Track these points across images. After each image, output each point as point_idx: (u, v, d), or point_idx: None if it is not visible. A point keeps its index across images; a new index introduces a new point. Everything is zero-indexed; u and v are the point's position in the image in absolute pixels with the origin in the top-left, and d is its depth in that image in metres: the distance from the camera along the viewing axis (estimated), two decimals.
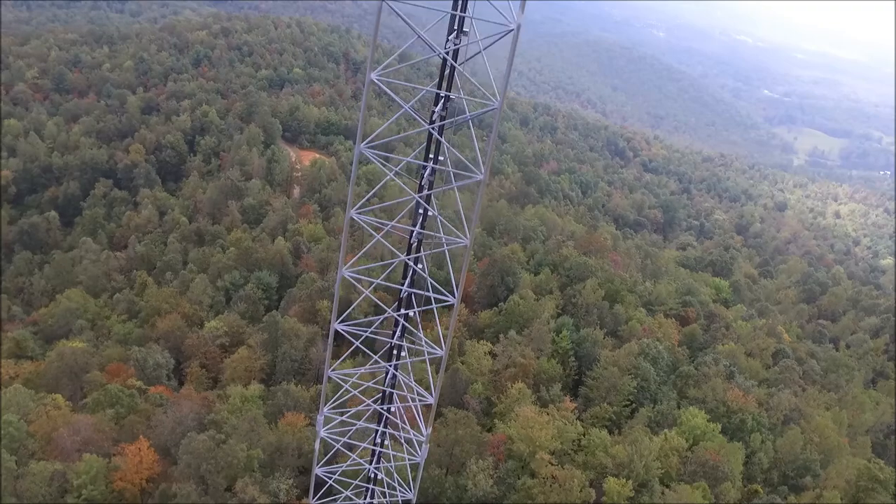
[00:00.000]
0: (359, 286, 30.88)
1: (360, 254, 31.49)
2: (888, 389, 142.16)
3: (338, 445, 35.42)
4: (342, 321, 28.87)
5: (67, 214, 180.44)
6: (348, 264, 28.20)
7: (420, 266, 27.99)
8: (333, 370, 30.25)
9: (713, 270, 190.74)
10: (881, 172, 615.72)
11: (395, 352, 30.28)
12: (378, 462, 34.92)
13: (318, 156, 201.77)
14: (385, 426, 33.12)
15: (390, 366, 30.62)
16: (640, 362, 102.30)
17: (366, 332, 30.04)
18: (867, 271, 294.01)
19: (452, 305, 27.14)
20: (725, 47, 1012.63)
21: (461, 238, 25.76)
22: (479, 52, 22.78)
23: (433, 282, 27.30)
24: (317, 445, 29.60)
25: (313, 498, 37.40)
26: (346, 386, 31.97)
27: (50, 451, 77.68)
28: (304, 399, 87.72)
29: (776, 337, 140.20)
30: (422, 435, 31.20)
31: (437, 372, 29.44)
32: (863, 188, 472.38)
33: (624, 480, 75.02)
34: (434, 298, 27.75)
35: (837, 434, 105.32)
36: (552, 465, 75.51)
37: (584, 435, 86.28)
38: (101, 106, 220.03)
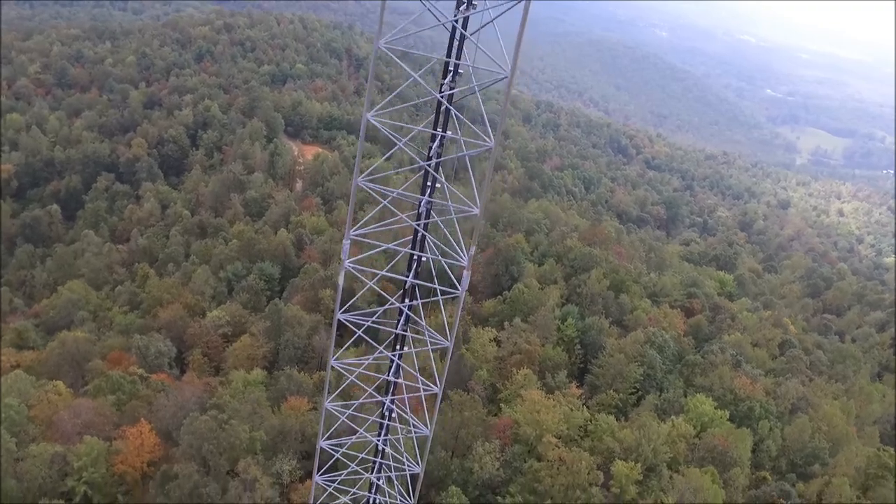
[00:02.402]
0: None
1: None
2: (894, 383, 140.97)
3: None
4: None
5: (69, 208, 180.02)
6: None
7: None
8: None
9: (717, 265, 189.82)
10: (884, 172, 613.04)
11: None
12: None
13: (320, 150, 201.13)
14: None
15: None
16: (646, 350, 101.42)
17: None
18: (871, 268, 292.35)
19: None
20: (728, 47, 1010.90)
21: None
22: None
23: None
24: (340, 285, 28.27)
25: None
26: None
27: (50, 434, 76.93)
28: (307, 384, 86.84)
29: (782, 328, 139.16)
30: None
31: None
32: (866, 187, 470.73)
33: (632, 464, 74.08)
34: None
35: (846, 423, 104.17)
36: (559, 448, 74.53)
37: (590, 421, 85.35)
38: (104, 100, 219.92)
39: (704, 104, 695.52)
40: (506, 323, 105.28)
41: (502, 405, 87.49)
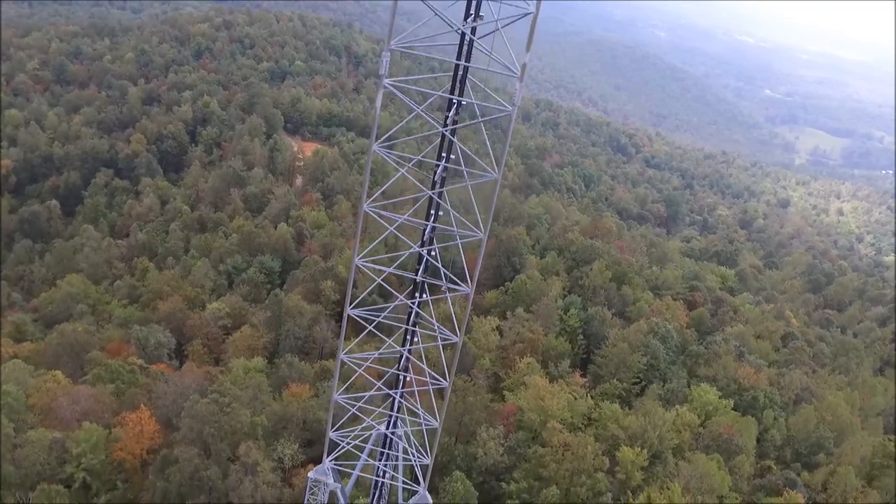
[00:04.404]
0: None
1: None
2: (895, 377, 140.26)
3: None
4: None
5: (69, 204, 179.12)
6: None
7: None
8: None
9: (718, 261, 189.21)
10: (883, 172, 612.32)
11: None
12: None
13: (319, 146, 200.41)
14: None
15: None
16: (649, 340, 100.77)
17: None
18: (871, 266, 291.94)
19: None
20: (728, 47, 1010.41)
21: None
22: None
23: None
24: (377, 107, 27.31)
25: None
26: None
27: (49, 421, 76.05)
28: (308, 372, 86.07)
29: (784, 320, 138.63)
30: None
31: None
32: (865, 186, 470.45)
33: (638, 450, 73.38)
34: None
35: (850, 414, 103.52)
36: (564, 433, 73.78)
37: (594, 409, 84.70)
38: (103, 97, 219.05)
39: (704, 104, 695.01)
40: (508, 313, 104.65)
41: (505, 393, 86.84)
